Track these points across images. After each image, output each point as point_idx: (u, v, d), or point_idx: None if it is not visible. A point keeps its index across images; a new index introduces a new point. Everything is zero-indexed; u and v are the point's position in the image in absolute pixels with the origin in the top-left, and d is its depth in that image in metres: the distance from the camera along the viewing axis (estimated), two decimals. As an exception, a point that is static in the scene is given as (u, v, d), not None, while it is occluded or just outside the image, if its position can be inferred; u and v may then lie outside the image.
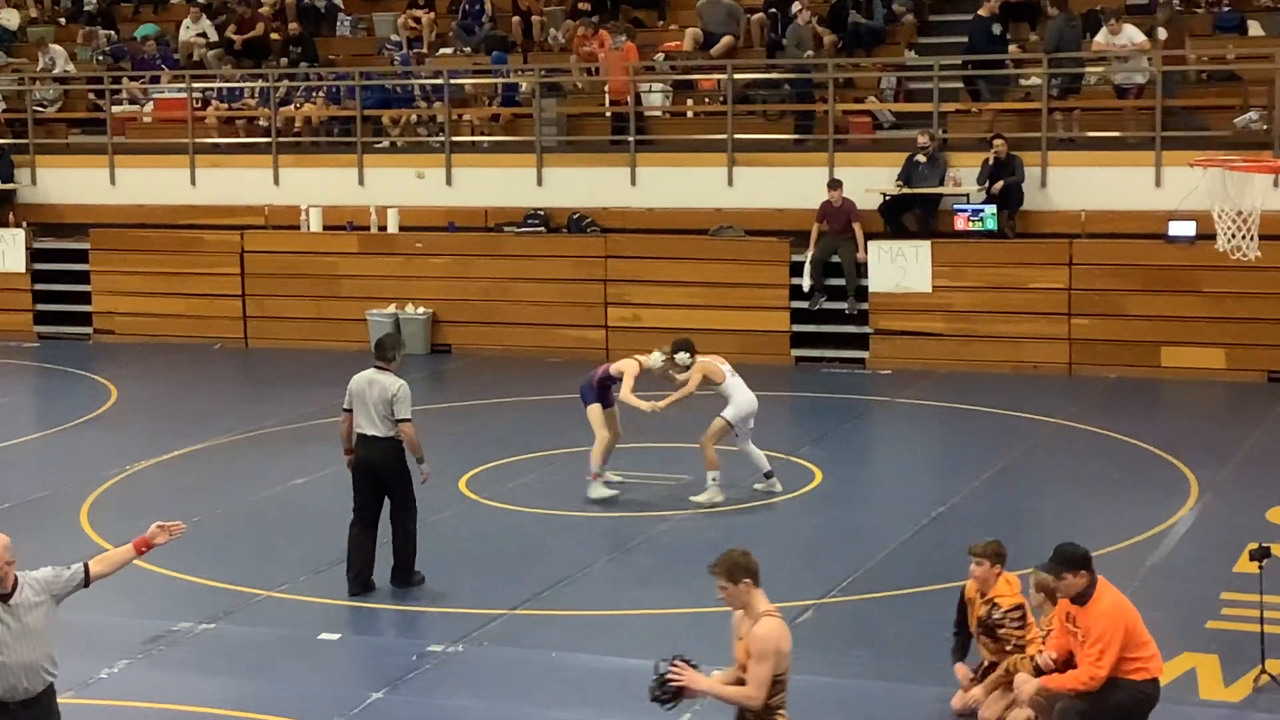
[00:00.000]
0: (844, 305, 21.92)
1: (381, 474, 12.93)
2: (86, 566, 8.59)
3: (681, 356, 15.33)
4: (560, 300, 23.04)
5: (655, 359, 15.41)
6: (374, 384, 12.88)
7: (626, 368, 15.42)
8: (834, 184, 21.90)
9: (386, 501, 13.05)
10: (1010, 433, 18.25)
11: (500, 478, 16.46)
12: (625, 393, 15.32)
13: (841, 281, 21.87)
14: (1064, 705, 9.28)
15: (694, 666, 7.98)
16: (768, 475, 15.66)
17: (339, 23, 28.92)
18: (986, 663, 10.37)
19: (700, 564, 13.64)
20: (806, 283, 21.93)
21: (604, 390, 15.41)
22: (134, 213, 25.61)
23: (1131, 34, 22.46)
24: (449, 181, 24.38)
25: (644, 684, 11.11)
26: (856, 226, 21.77)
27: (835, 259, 21.89)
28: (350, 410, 13.01)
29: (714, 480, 15.29)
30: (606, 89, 24.88)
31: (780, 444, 17.26)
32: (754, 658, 7.92)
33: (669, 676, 7.92)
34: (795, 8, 24.45)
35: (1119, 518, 14.73)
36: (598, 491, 15.42)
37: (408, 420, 12.76)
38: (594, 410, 15.40)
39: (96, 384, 21.80)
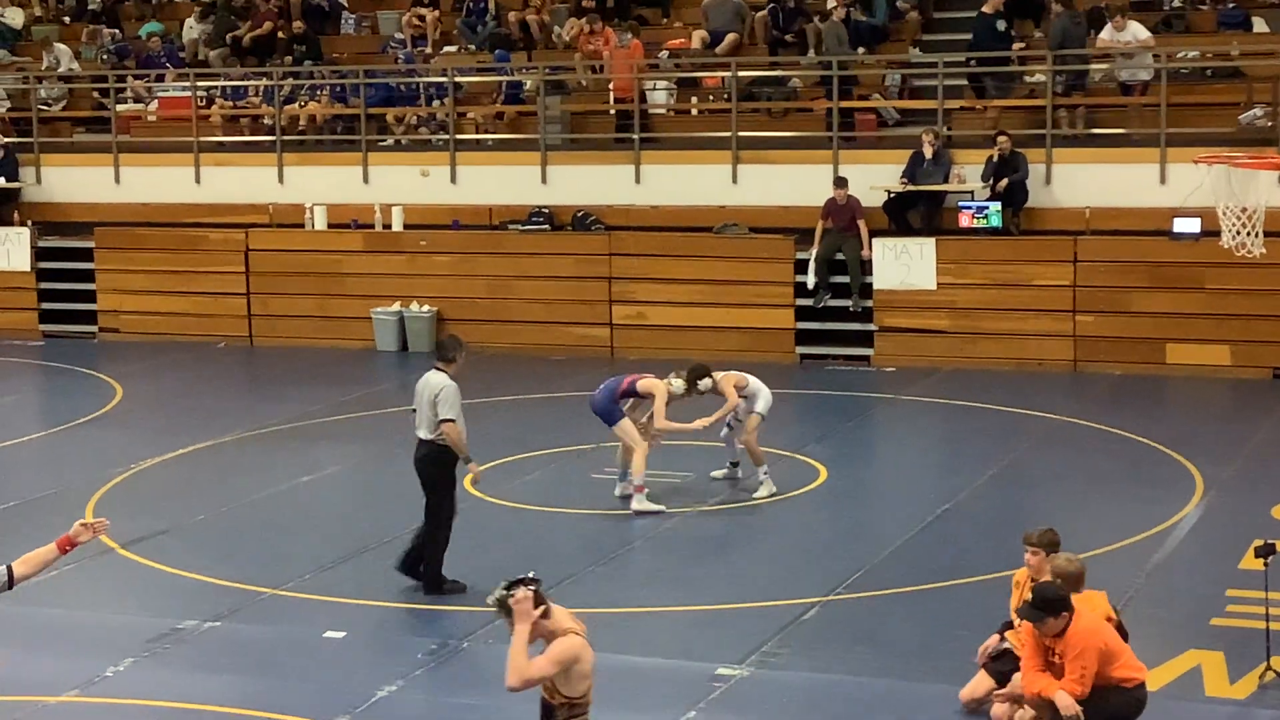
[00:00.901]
0: (848, 303, 21.92)
1: (420, 474, 13.00)
2: (10, 569, 8.41)
3: (704, 383, 15.25)
4: (565, 298, 23.05)
5: (679, 386, 15.23)
6: (428, 385, 12.88)
7: (657, 390, 15.13)
8: (839, 182, 21.89)
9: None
10: (1015, 430, 18.25)
11: (505, 475, 16.46)
12: (661, 420, 15.11)
13: (846, 279, 21.88)
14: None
15: (543, 602, 7.79)
16: (733, 464, 15.84)
17: (343, 21, 28.95)
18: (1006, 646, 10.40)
19: (705, 562, 13.73)
20: (811, 280, 21.93)
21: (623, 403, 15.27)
22: (139, 211, 25.63)
23: (1136, 30, 22.46)
24: (453, 179, 24.39)
25: (650, 680, 11.16)
26: (861, 224, 21.77)
27: (840, 256, 21.89)
28: (414, 410, 13.13)
29: (765, 474, 15.45)
30: (611, 87, 24.87)
31: (785, 441, 17.26)
32: (547, 655, 7.79)
33: (514, 602, 7.77)
34: (830, 4, 24.40)
35: (1124, 515, 14.73)
36: (642, 504, 15.03)
37: (449, 420, 12.71)
38: (626, 425, 15.12)
39: (101, 382, 21.82)
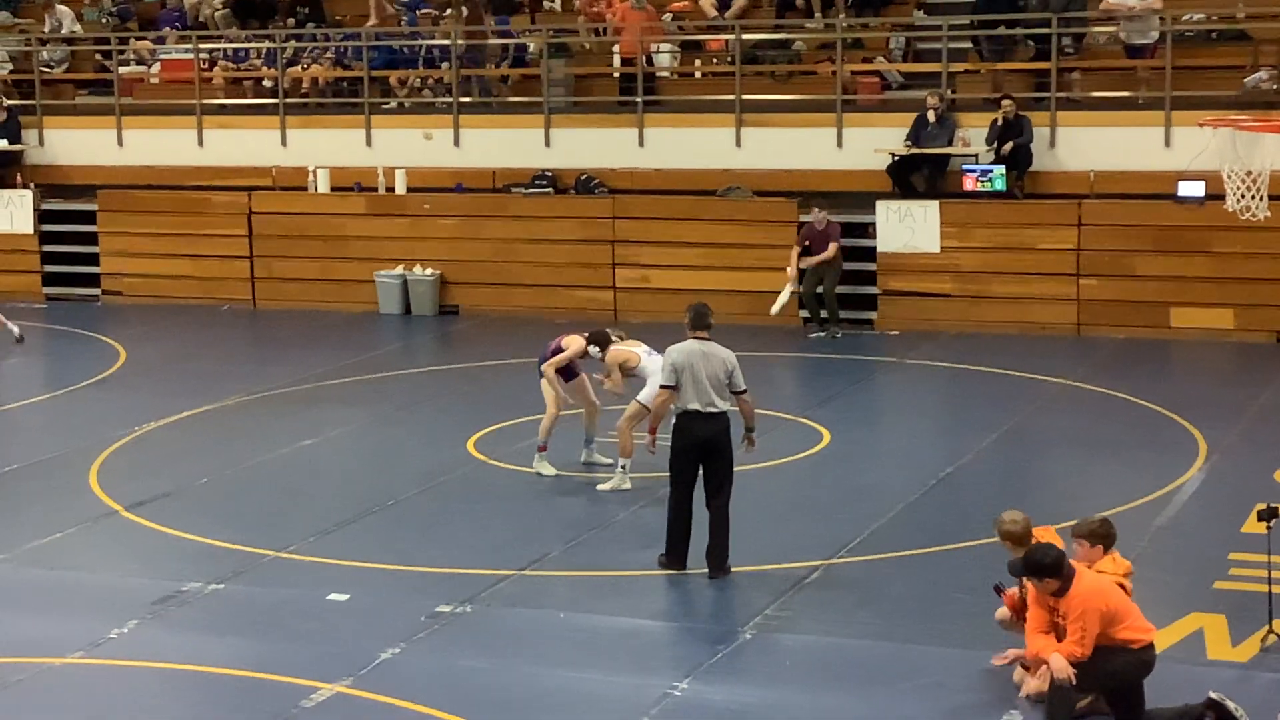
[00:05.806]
0: (822, 334, 21.31)
1: (720, 448, 12.39)
2: None
3: (593, 350, 14.78)
4: (568, 261, 23.03)
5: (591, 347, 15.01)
6: (709, 356, 12.30)
7: (572, 344, 14.93)
8: (814, 205, 21.24)
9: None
10: (1018, 393, 18.25)
11: (508, 438, 16.46)
12: (587, 383, 15.09)
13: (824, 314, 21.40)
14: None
15: None
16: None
17: (346, -17, 28.79)
18: None
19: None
20: (804, 313, 21.48)
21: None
22: (141, 174, 25.61)
23: (1139, -9, 22.36)
24: (456, 142, 24.33)
25: (654, 643, 11.19)
26: (833, 246, 21.12)
27: (819, 290, 21.27)
28: (674, 387, 12.30)
29: (623, 468, 14.68)
30: (616, 49, 24.79)
31: (788, 405, 17.26)
32: None
33: None
34: None
35: (1127, 478, 14.73)
36: (541, 465, 15.04)
37: (746, 390, 12.42)
38: (543, 385, 15.02)
39: (105, 345, 21.82)
